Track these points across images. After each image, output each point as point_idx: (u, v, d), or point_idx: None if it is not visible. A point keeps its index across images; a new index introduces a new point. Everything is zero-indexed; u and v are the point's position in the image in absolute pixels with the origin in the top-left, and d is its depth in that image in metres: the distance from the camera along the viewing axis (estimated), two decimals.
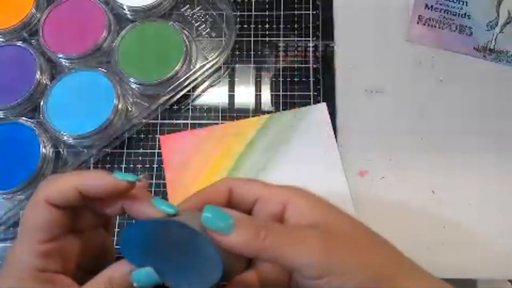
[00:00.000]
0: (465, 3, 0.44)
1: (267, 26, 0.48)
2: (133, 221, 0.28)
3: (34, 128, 0.43)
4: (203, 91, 0.47)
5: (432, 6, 0.45)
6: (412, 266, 0.28)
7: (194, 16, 0.48)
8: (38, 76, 0.45)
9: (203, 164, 0.43)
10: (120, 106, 0.44)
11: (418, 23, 0.46)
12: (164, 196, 0.43)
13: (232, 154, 0.44)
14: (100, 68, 0.45)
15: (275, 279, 0.29)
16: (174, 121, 0.45)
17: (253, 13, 0.48)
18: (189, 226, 0.25)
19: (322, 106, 0.45)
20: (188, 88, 0.45)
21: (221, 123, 0.45)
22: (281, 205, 0.28)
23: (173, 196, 0.43)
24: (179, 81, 0.44)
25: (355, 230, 0.28)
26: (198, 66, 0.46)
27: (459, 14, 0.44)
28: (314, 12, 0.48)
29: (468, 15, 0.44)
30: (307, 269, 0.25)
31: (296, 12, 0.48)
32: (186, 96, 0.46)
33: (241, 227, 0.25)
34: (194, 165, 0.43)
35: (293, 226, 0.27)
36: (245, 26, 0.48)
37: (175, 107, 0.46)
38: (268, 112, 0.45)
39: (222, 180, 0.30)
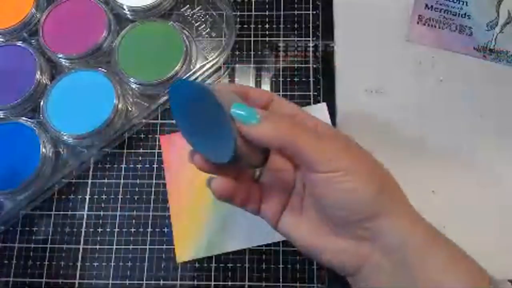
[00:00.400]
0: (465, 3, 0.44)
1: (267, 26, 0.48)
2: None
3: (34, 128, 0.44)
4: None
5: (432, 6, 0.45)
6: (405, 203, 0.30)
7: (194, 16, 0.48)
8: (38, 76, 0.45)
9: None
10: (120, 106, 0.44)
11: (418, 23, 0.46)
12: (164, 196, 0.43)
13: None
14: (100, 68, 0.45)
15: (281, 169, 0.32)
16: (174, 121, 0.45)
17: (253, 13, 0.48)
18: (220, 102, 0.27)
19: (322, 106, 0.45)
20: None
21: None
22: (314, 124, 0.32)
23: (173, 196, 0.43)
24: None
25: (368, 156, 0.31)
26: (198, 66, 0.46)
27: (459, 14, 0.44)
28: (314, 12, 0.48)
29: (468, 15, 0.44)
30: (320, 165, 0.27)
31: (296, 12, 0.48)
32: None
33: (269, 120, 0.27)
34: (193, 165, 0.43)
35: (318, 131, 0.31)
36: (245, 26, 0.48)
37: None
38: None
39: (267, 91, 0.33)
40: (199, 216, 0.42)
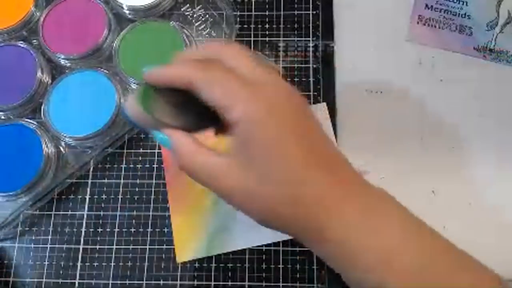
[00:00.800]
0: (465, 3, 0.44)
1: (267, 26, 0.48)
2: None
3: (36, 129, 0.43)
4: None
5: (432, 6, 0.45)
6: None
7: (194, 16, 0.48)
8: (39, 76, 0.45)
9: None
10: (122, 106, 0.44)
11: (418, 23, 0.46)
12: (164, 196, 0.43)
13: None
14: (100, 68, 0.45)
15: None
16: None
17: (253, 13, 0.48)
18: None
19: (322, 106, 0.45)
20: None
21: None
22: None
23: (173, 196, 0.43)
24: None
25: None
26: None
27: (459, 14, 0.44)
28: (314, 12, 0.48)
29: (468, 15, 0.44)
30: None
31: (296, 12, 0.48)
32: None
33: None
34: None
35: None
36: (245, 26, 0.48)
37: None
38: None
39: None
40: (199, 216, 0.42)
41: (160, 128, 0.30)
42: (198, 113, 0.31)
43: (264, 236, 0.41)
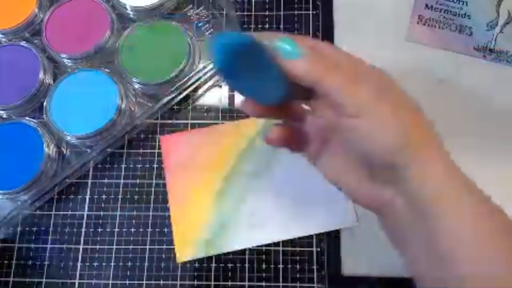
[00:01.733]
0: (465, 3, 0.44)
1: (267, 26, 0.48)
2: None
3: (38, 128, 0.44)
4: (204, 91, 0.47)
5: (432, 6, 0.45)
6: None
7: (197, 16, 0.48)
8: (41, 76, 0.45)
9: (203, 164, 0.44)
10: (123, 106, 0.44)
11: (418, 23, 0.46)
12: (164, 196, 0.43)
13: (232, 155, 0.44)
14: (103, 68, 0.45)
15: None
16: (174, 121, 0.45)
17: (253, 13, 0.48)
18: (262, 44, 0.27)
19: None
20: (191, 88, 0.45)
21: (221, 123, 0.45)
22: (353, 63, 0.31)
23: (173, 196, 0.43)
24: (182, 81, 0.44)
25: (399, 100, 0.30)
26: (201, 66, 0.46)
27: (459, 14, 0.44)
28: (314, 12, 0.48)
29: (468, 15, 0.44)
30: (344, 108, 0.27)
31: (296, 12, 0.48)
32: (186, 97, 0.46)
33: (308, 57, 0.27)
34: (194, 165, 0.44)
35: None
36: (245, 26, 0.48)
37: (176, 107, 0.46)
38: None
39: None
40: (199, 216, 0.42)
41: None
42: None
43: (264, 236, 0.41)
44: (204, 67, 0.45)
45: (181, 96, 0.45)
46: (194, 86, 0.46)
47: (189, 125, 0.45)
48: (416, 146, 0.28)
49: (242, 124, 0.45)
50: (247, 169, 0.43)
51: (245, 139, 0.44)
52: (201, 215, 0.42)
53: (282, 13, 0.48)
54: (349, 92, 0.27)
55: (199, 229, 0.42)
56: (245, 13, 0.48)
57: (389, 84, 0.31)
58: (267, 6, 0.49)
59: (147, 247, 0.42)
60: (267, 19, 0.48)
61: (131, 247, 0.42)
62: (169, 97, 0.44)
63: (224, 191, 0.43)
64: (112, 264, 0.42)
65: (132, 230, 0.42)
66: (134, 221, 0.43)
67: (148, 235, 0.42)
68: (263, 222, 0.41)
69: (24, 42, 0.47)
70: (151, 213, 0.43)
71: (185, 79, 0.45)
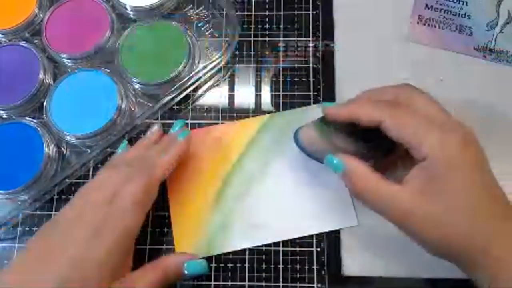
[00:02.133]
0: (465, 3, 0.44)
1: (267, 26, 0.48)
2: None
3: (37, 128, 0.44)
4: (204, 91, 0.47)
5: (432, 6, 0.45)
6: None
7: (197, 16, 0.48)
8: (41, 76, 0.45)
9: (202, 164, 0.44)
10: (123, 106, 0.44)
11: (418, 23, 0.46)
12: (164, 196, 0.43)
13: (232, 155, 0.44)
14: (103, 68, 0.45)
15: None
16: (174, 121, 0.45)
17: (253, 13, 0.48)
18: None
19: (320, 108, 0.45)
20: (191, 88, 0.45)
21: (221, 123, 0.45)
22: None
23: (173, 196, 0.43)
24: (182, 81, 0.45)
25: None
26: (201, 66, 0.46)
27: (459, 14, 0.44)
28: (314, 12, 0.48)
29: (468, 15, 0.44)
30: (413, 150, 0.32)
31: (296, 12, 0.48)
32: (186, 97, 0.46)
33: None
34: (193, 165, 0.43)
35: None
36: (245, 26, 0.48)
37: (176, 107, 0.46)
38: (268, 112, 0.45)
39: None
40: (199, 216, 0.42)
41: (334, 153, 0.35)
42: (369, 142, 0.35)
43: (264, 236, 0.41)
44: (204, 67, 0.45)
45: (181, 96, 0.45)
46: (194, 86, 0.46)
47: (189, 125, 0.45)
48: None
49: (241, 124, 0.45)
50: (247, 169, 0.43)
51: (245, 138, 0.44)
52: (201, 215, 0.42)
53: (282, 13, 0.48)
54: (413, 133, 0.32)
55: (199, 229, 0.42)
56: (245, 13, 0.48)
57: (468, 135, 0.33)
58: (267, 6, 0.49)
59: (147, 247, 0.42)
60: (267, 19, 0.48)
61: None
62: (169, 97, 0.44)
63: (224, 191, 0.43)
64: None
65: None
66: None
67: (148, 235, 0.42)
68: (263, 222, 0.41)
69: (24, 42, 0.47)
70: (151, 213, 0.43)
71: (185, 79, 0.45)
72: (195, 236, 0.41)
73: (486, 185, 0.32)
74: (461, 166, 0.31)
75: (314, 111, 0.44)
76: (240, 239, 0.41)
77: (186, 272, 0.37)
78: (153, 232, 0.42)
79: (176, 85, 0.44)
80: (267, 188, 0.42)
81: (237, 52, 0.47)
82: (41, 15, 0.48)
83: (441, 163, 0.31)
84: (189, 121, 0.45)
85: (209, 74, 0.46)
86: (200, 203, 0.42)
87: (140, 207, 0.36)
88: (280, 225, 0.41)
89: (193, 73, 0.45)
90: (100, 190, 0.36)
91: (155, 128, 0.44)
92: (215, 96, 0.46)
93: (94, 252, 0.33)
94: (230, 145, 0.44)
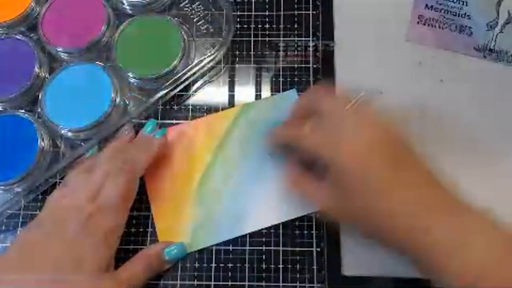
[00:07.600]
0: (465, 3, 0.44)
1: (267, 26, 0.48)
2: None
3: (32, 121, 0.43)
4: (204, 91, 0.47)
5: (432, 6, 0.45)
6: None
7: (193, 12, 0.48)
8: (36, 69, 0.45)
9: (179, 160, 0.43)
10: (117, 100, 0.44)
11: (418, 23, 0.46)
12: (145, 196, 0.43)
13: (208, 149, 0.43)
14: (98, 62, 0.45)
15: None
16: (174, 121, 0.45)
17: (253, 13, 0.48)
18: None
19: (293, 93, 0.45)
20: (185, 83, 0.45)
21: None
22: None
23: (153, 194, 0.43)
24: (177, 76, 0.44)
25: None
26: (196, 61, 0.46)
27: (459, 14, 0.44)
28: (314, 12, 0.48)
29: (468, 15, 0.44)
30: None
31: (296, 12, 0.48)
32: (186, 97, 0.46)
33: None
34: (170, 162, 0.43)
35: None
36: (245, 26, 0.48)
37: (175, 107, 0.46)
38: None
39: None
40: (181, 211, 0.42)
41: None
42: None
43: (251, 224, 0.41)
44: (200, 62, 0.45)
45: (176, 91, 0.45)
46: (189, 81, 0.45)
47: None
48: None
49: (213, 119, 0.45)
50: (224, 161, 0.43)
51: (220, 131, 0.44)
52: (183, 209, 0.41)
53: (282, 13, 0.48)
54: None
55: (183, 224, 0.41)
56: (245, 13, 0.48)
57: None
58: (267, 6, 0.49)
59: (131, 247, 0.41)
60: (267, 19, 0.48)
61: (131, 247, 0.41)
62: (164, 92, 0.44)
63: (202, 185, 0.42)
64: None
65: (132, 230, 0.42)
66: (134, 221, 0.42)
67: (148, 235, 0.42)
68: (248, 209, 0.41)
69: (20, 35, 0.46)
70: (151, 213, 0.42)
71: (180, 74, 0.44)
72: (180, 232, 0.41)
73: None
74: (354, 169, 0.34)
75: (284, 100, 0.45)
76: (227, 229, 0.41)
77: (166, 258, 0.39)
78: (153, 232, 0.42)
79: (171, 80, 0.44)
80: (248, 176, 0.42)
81: (237, 52, 0.47)
82: (38, 9, 0.48)
83: (337, 171, 0.34)
84: (189, 121, 0.45)
85: (205, 69, 0.45)
86: (181, 198, 0.42)
87: (125, 201, 0.38)
88: (260, 213, 0.41)
89: (188, 68, 0.45)
90: (79, 191, 0.37)
91: (127, 129, 0.44)
92: (214, 96, 0.46)
93: (80, 251, 0.34)
94: (205, 140, 0.44)
